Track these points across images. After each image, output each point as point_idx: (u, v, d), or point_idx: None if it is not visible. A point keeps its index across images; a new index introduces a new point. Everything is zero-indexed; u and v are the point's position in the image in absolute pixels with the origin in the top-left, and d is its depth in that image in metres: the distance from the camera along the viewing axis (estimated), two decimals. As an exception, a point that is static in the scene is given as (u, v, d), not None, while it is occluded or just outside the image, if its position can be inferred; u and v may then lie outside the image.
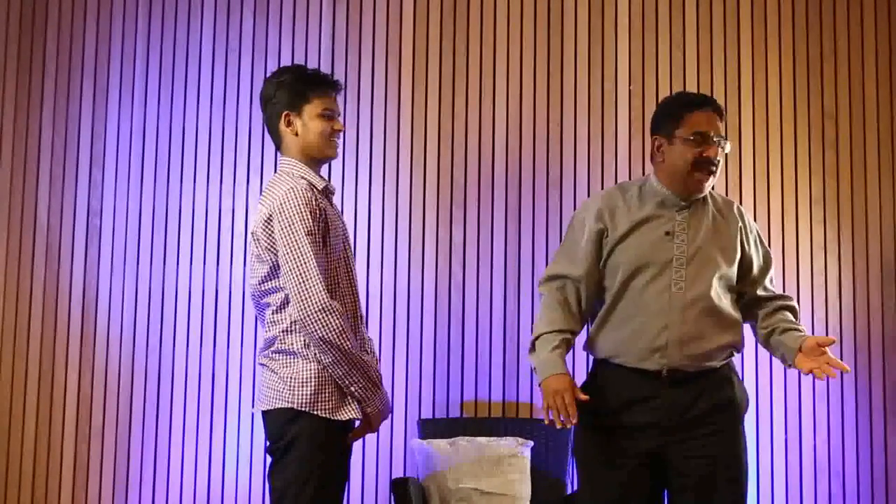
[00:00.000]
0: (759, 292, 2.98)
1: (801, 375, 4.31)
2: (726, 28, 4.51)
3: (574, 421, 2.78)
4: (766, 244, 3.05)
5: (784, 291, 4.30)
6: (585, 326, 3.01)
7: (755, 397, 4.23)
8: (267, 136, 4.44)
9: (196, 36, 4.62)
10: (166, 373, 4.45)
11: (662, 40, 4.51)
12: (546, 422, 2.82)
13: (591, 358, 3.05)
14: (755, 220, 4.35)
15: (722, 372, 2.89)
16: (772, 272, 3.01)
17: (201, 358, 4.45)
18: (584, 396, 2.80)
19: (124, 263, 4.51)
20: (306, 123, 2.88)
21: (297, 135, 2.89)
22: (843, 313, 4.36)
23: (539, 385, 2.85)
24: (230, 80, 4.58)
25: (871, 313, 4.35)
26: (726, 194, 4.40)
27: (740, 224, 2.95)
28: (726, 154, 2.98)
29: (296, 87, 2.88)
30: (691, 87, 4.46)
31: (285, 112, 2.88)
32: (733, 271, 2.90)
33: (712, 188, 2.96)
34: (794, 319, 2.95)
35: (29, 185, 4.59)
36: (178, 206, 4.53)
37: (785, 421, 4.30)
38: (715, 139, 2.85)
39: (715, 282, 2.85)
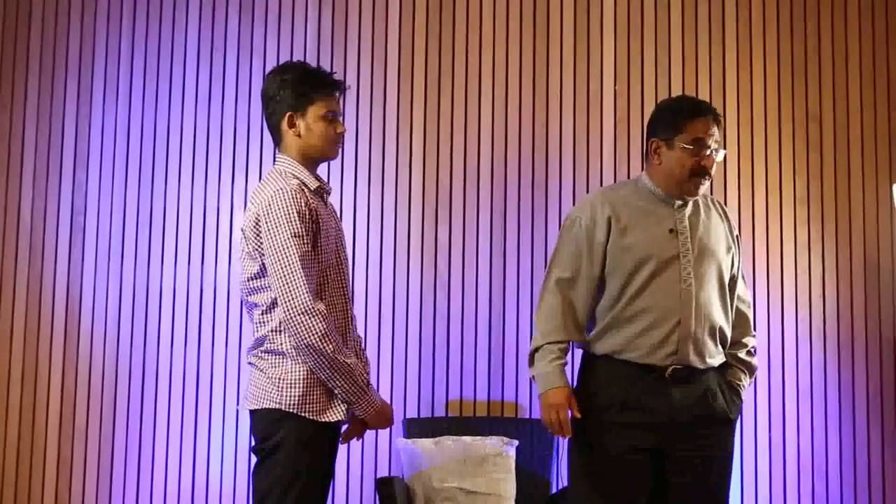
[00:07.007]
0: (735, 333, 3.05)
1: (785, 375, 4.34)
2: (711, 29, 4.53)
3: (568, 435, 2.86)
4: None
5: (767, 291, 4.34)
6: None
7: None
8: (252, 134, 4.53)
9: (181, 35, 4.61)
10: (150, 371, 4.43)
11: (648, 41, 4.52)
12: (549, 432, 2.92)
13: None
14: (739, 220, 4.40)
15: (719, 374, 2.94)
16: (742, 281, 3.09)
17: (186, 356, 4.44)
18: (577, 413, 2.85)
19: (108, 262, 4.50)
20: (310, 126, 2.84)
21: (299, 136, 2.85)
22: (827, 312, 4.38)
23: (539, 397, 2.89)
24: (215, 80, 4.57)
25: (854, 312, 4.38)
26: (711, 194, 4.42)
27: (728, 223, 3.04)
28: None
29: (300, 88, 2.83)
30: (676, 88, 4.47)
31: (289, 113, 2.84)
32: (728, 267, 2.97)
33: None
34: (741, 381, 3.02)
35: (13, 184, 4.57)
36: (163, 204, 4.52)
37: (769, 421, 4.32)
38: (712, 147, 2.89)
39: (717, 279, 2.91)
